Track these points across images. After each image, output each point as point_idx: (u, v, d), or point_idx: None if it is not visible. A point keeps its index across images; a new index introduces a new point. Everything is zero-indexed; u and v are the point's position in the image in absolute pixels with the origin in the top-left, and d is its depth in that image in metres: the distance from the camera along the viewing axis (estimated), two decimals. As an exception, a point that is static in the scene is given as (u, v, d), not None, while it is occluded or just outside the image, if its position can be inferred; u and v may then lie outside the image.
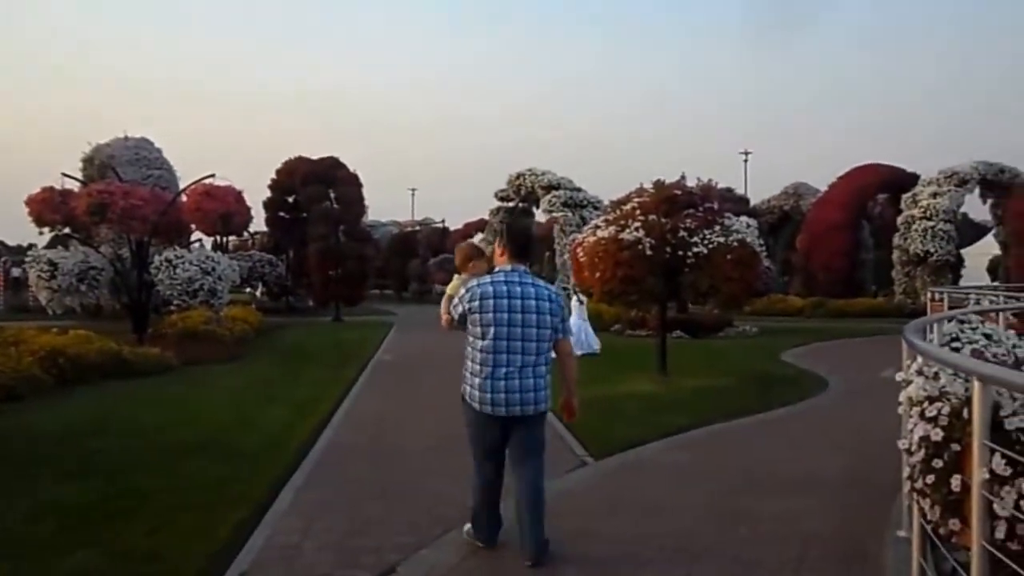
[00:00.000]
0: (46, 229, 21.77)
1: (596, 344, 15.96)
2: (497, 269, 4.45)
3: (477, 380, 4.25)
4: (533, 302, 4.26)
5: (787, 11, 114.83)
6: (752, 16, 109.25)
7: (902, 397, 3.28)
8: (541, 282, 4.45)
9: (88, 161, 24.84)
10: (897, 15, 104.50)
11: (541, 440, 4.45)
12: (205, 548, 4.59)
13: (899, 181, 31.86)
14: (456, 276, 4.69)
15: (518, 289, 4.27)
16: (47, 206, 20.04)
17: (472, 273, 4.58)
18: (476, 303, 4.24)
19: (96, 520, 5.10)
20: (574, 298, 15.73)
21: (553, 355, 4.41)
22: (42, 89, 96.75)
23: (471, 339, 4.33)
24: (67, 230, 21.87)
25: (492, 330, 4.20)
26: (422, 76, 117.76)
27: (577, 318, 15.95)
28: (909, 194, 29.84)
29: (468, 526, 4.59)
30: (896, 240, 29.72)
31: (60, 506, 5.39)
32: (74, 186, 20.83)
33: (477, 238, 33.53)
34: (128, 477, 6.16)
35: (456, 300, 4.39)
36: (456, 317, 4.38)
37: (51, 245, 23.80)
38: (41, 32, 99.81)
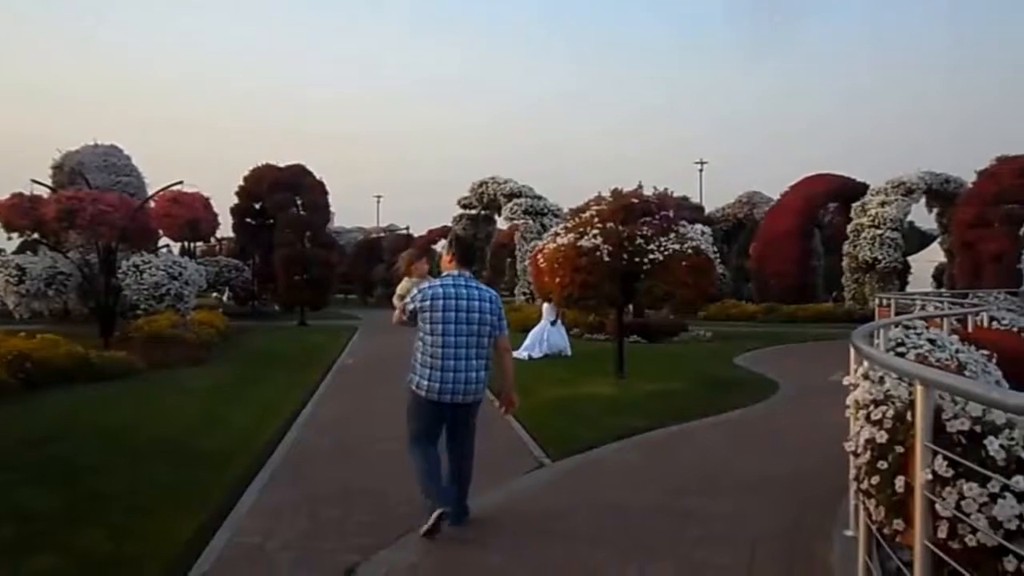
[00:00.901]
0: (15, 234, 21.80)
1: (563, 347, 16.09)
2: (445, 274, 5.05)
3: (427, 371, 4.81)
4: (476, 303, 4.87)
5: (746, 25, 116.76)
6: (711, 30, 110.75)
7: (849, 400, 3.36)
8: (483, 286, 5.07)
9: (58, 167, 24.55)
10: (852, 29, 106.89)
11: (474, 424, 5.12)
12: (167, 550, 4.58)
13: (849, 190, 32.49)
14: (405, 279, 5.21)
15: (464, 291, 4.88)
16: (16, 212, 20.01)
17: (419, 275, 5.16)
18: (427, 303, 4.82)
19: (57, 524, 5.05)
20: (546, 304, 15.84)
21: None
22: (9, 96, 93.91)
23: (421, 335, 4.88)
24: (36, 235, 21.76)
25: (440, 327, 4.78)
26: (388, 85, 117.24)
27: (545, 320, 16.10)
28: (859, 203, 30.45)
29: (425, 526, 4.67)
30: (846, 247, 30.39)
31: (21, 510, 5.31)
32: (43, 192, 20.71)
33: (440, 244, 33.75)
34: (91, 480, 6.09)
35: (408, 299, 4.97)
36: (407, 314, 4.94)
37: (20, 250, 23.58)
38: (7, 37, 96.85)
